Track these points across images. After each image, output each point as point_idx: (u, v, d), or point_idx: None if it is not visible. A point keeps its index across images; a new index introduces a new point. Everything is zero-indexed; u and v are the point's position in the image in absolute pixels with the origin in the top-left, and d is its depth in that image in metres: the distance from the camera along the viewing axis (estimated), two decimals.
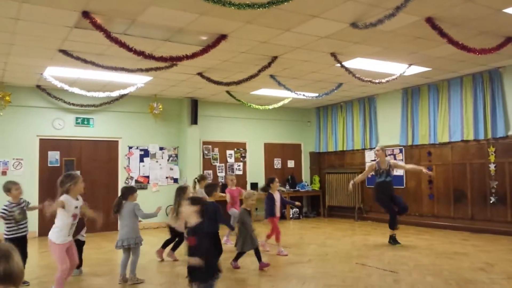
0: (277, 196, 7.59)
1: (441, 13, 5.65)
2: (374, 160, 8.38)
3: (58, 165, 10.02)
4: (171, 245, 7.09)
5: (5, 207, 5.55)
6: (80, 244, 6.04)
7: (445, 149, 9.86)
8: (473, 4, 5.38)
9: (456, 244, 7.80)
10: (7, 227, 5.53)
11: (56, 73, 8.38)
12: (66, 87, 8.73)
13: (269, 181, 7.70)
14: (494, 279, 5.32)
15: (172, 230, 7.11)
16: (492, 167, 8.88)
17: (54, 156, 10.04)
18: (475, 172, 9.25)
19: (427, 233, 9.18)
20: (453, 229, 9.43)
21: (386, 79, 8.53)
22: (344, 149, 12.52)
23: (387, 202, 7.98)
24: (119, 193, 6.16)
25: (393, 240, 7.90)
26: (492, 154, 8.89)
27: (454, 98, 9.58)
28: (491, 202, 8.87)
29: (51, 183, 9.70)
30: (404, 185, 10.66)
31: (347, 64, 7.87)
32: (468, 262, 6.32)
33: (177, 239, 7.08)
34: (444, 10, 5.57)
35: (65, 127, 10.12)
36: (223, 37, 6.39)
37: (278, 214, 7.59)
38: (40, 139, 9.88)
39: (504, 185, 8.71)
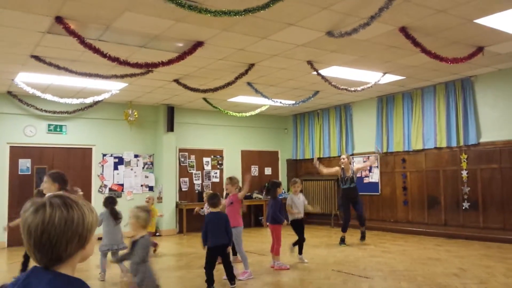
0: None
1: (415, 23, 5.77)
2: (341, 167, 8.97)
3: (29, 173, 9.75)
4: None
5: None
6: None
7: (419, 156, 10.02)
8: (445, 14, 5.51)
9: (429, 250, 7.92)
10: None
11: (28, 79, 8.18)
12: (38, 93, 8.52)
13: (276, 185, 7.02)
14: (467, 284, 5.41)
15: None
16: (464, 173, 9.06)
17: (25, 164, 9.76)
18: (448, 178, 9.42)
19: (401, 239, 9.29)
20: (427, 235, 9.57)
21: (362, 87, 8.64)
22: (321, 156, 12.59)
23: (348, 208, 8.88)
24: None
25: (342, 241, 8.66)
26: (464, 161, 9.08)
27: (427, 106, 9.76)
28: (463, 208, 9.05)
29: (21, 192, 9.56)
30: (379, 192, 10.78)
31: (323, 72, 7.94)
32: (441, 267, 6.41)
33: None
34: (417, 20, 5.69)
35: (37, 134, 9.86)
36: (199, 44, 6.36)
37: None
38: (11, 147, 9.59)
39: (476, 191, 8.90)
